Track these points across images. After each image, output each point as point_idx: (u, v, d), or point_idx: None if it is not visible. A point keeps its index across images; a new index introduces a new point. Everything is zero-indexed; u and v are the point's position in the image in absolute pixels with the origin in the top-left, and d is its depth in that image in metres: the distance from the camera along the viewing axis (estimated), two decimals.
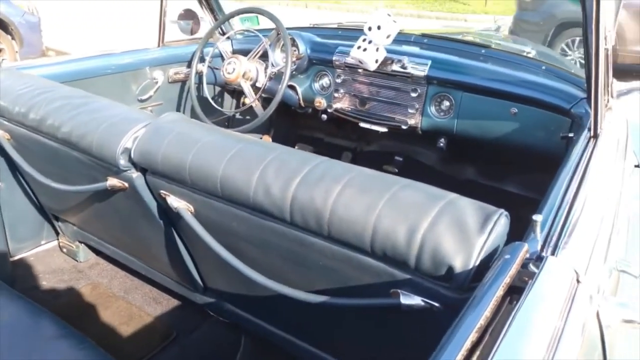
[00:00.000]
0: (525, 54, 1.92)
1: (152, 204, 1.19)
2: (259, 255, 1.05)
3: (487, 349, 0.55)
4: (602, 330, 0.68)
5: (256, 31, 2.10)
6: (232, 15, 2.11)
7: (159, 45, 2.07)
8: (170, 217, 1.21)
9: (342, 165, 0.92)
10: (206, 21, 2.25)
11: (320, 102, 2.07)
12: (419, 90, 1.86)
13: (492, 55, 1.86)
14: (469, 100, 1.79)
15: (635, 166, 1.59)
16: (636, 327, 0.74)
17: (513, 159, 1.89)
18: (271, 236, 0.96)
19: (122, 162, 1.12)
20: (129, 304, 1.67)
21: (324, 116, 2.11)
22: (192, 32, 2.21)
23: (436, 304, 0.80)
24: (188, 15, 2.20)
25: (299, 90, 2.12)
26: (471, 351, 0.55)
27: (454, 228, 0.74)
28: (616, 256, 0.85)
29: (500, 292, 0.62)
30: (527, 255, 0.71)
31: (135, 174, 1.15)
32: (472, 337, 0.56)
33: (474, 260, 0.72)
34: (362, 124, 2.02)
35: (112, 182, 1.18)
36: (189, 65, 2.11)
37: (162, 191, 1.11)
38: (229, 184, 0.95)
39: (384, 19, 1.73)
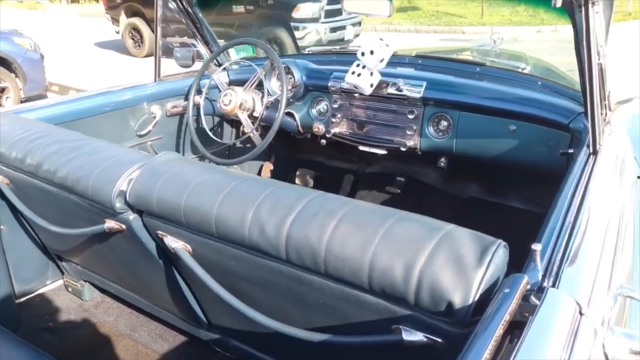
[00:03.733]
0: (520, 69, 1.91)
1: (151, 245, 1.19)
2: (259, 293, 1.04)
3: None
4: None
5: (250, 61, 2.11)
6: (227, 47, 2.13)
7: (155, 80, 2.09)
8: (169, 257, 1.20)
9: (336, 199, 0.91)
10: (201, 54, 2.27)
11: (319, 128, 2.08)
12: (416, 112, 1.86)
13: (487, 73, 1.86)
14: (467, 120, 1.79)
15: (638, 177, 1.57)
16: None
17: (515, 175, 1.88)
18: (269, 275, 0.95)
19: (118, 204, 1.12)
20: (136, 342, 1.66)
21: (323, 141, 2.11)
22: (188, 66, 2.23)
23: (438, 340, 0.78)
24: (184, 49, 2.23)
25: (297, 116, 2.13)
26: None
27: (451, 262, 0.73)
28: (620, 280, 0.83)
29: (500, 330, 0.60)
30: (528, 287, 0.69)
31: (132, 216, 1.15)
32: None
33: (474, 295, 0.71)
34: (362, 147, 2.02)
35: (110, 224, 1.18)
36: (186, 98, 2.12)
37: (159, 232, 1.11)
38: (224, 224, 0.95)
39: (377, 43, 1.74)
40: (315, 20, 6.40)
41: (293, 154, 2.57)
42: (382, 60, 1.77)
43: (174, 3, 2.02)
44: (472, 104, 1.76)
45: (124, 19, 9.70)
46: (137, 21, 9.38)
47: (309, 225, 0.86)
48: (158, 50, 2.06)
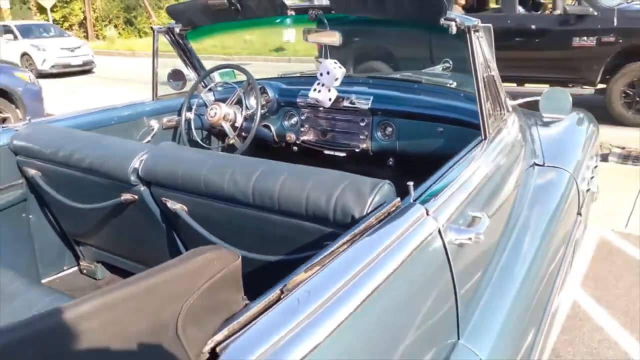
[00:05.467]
0: (448, 85, 2.37)
1: (156, 210, 1.59)
2: (235, 236, 1.45)
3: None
4: (445, 243, 1.07)
5: (232, 83, 2.55)
6: (212, 70, 2.58)
7: (153, 99, 2.52)
8: (170, 219, 1.61)
9: (285, 164, 1.34)
10: (191, 78, 2.71)
11: (291, 137, 2.51)
12: (366, 120, 2.31)
13: (423, 88, 2.31)
14: (406, 125, 2.23)
15: (535, 164, 2.01)
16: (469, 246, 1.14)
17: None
18: (241, 218, 1.36)
19: (132, 178, 1.53)
20: None
21: (295, 148, 2.54)
22: (180, 87, 2.67)
23: None
24: (176, 74, 2.67)
25: (273, 128, 2.57)
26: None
27: (354, 192, 1.15)
28: (475, 211, 1.25)
29: (372, 220, 1.02)
30: (400, 205, 1.11)
31: (142, 188, 1.56)
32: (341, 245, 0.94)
33: (366, 210, 1.12)
34: (326, 151, 2.45)
35: (125, 196, 1.58)
36: (179, 114, 2.55)
37: (163, 198, 1.52)
38: (209, 184, 1.36)
39: (331, 65, 2.19)
40: None
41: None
42: (337, 79, 2.21)
43: (168, 37, 2.47)
44: (409, 112, 2.20)
45: None
46: None
47: (267, 179, 1.28)
48: (155, 76, 2.49)
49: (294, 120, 2.54)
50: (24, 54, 13.79)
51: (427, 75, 2.56)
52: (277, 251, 1.34)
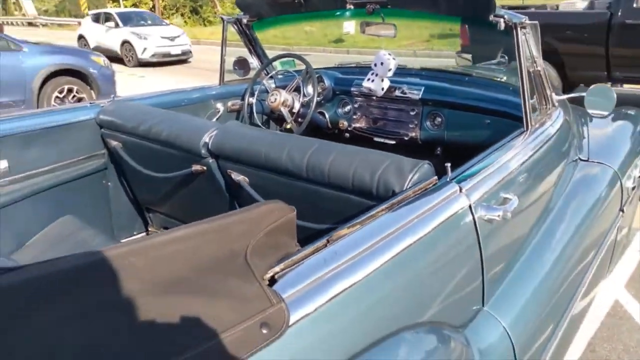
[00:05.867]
0: (498, 79, 2.45)
1: (221, 181, 1.79)
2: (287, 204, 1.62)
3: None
4: (475, 219, 1.20)
5: (292, 71, 2.73)
6: (274, 59, 2.77)
7: (220, 84, 2.74)
8: (233, 189, 1.80)
9: (335, 144, 1.50)
10: (254, 65, 2.91)
11: (343, 124, 2.66)
12: (416, 110, 2.43)
13: (473, 81, 2.40)
14: (455, 116, 2.34)
15: (580, 159, 2.07)
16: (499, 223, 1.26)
17: None
18: (295, 191, 1.53)
19: (203, 151, 1.73)
20: None
21: (347, 134, 2.69)
22: (244, 75, 2.88)
23: None
24: (241, 62, 2.88)
25: (327, 115, 2.73)
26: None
27: (396, 170, 1.30)
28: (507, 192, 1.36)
29: (410, 193, 1.16)
30: (437, 183, 1.24)
31: (211, 160, 1.76)
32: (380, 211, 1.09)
33: (406, 185, 1.26)
34: (376, 139, 2.58)
35: (196, 167, 1.79)
36: (243, 99, 2.75)
37: (228, 170, 1.71)
38: (269, 158, 1.54)
39: (385, 57, 2.32)
40: None
41: None
42: (390, 70, 2.35)
43: (235, 26, 2.67)
44: (458, 103, 2.31)
45: None
46: None
47: (319, 156, 1.44)
48: (223, 63, 2.70)
49: (348, 108, 2.69)
50: (124, 42, 13.42)
51: (478, 69, 2.64)
52: (325, 220, 1.50)
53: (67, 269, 0.63)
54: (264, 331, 0.71)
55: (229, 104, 2.75)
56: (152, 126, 1.91)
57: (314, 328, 0.79)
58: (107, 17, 14.39)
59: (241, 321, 0.70)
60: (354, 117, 2.63)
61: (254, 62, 2.90)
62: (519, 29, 1.69)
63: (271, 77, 2.85)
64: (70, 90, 6.53)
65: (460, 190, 1.21)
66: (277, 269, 0.82)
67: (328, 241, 0.93)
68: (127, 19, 14.03)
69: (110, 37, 13.81)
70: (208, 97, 2.66)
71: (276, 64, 2.89)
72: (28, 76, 6.07)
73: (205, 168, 1.79)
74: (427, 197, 1.15)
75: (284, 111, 2.56)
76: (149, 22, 14.54)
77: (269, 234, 0.85)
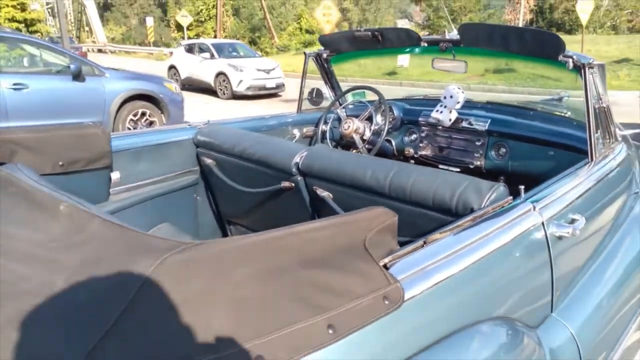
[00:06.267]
0: (563, 114, 2.59)
1: (306, 197, 2.01)
2: None
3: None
4: (547, 234, 1.35)
5: (365, 101, 2.96)
6: (348, 91, 3.01)
7: (297, 112, 3.00)
8: (317, 204, 2.01)
9: (415, 166, 1.69)
10: (327, 97, 3.16)
11: (409, 151, 2.85)
12: (482, 140, 2.59)
13: (537, 116, 2.55)
14: (519, 147, 2.48)
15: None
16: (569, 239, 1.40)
17: None
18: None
19: (294, 170, 1.96)
20: None
21: (412, 161, 2.87)
22: (318, 104, 3.13)
23: None
24: (315, 92, 3.14)
25: (394, 142, 2.93)
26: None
27: (475, 189, 1.47)
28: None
29: (489, 209, 1.33)
30: (512, 202, 1.41)
31: (299, 178, 1.98)
32: (464, 222, 1.26)
33: (484, 204, 1.43)
34: (441, 166, 2.76)
35: (285, 184, 2.02)
36: (316, 126, 2.99)
37: (314, 187, 1.93)
38: (354, 176, 1.75)
39: (455, 90, 2.51)
40: None
41: None
42: (458, 102, 2.53)
43: (315, 60, 2.94)
44: (523, 135, 2.46)
45: None
46: None
47: (401, 176, 1.63)
48: (302, 93, 2.97)
49: (414, 136, 2.88)
50: (219, 74, 13.06)
51: (543, 104, 2.79)
52: (405, 233, 1.68)
53: (244, 244, 0.85)
54: (386, 302, 0.90)
55: (304, 130, 3.00)
56: (246, 147, 2.16)
57: (421, 306, 0.97)
58: (202, 48, 14.12)
59: (368, 293, 0.89)
60: (420, 145, 2.82)
61: (326, 92, 3.16)
62: (587, 68, 1.85)
63: (343, 108, 3.09)
64: (143, 114, 7.02)
65: (534, 208, 1.37)
66: (386, 260, 1.01)
67: (424, 242, 1.12)
68: (220, 50, 13.78)
69: (204, 68, 13.49)
70: (287, 123, 2.92)
71: (347, 95, 3.13)
72: (108, 99, 6.59)
73: (293, 185, 2.01)
74: (505, 214, 1.32)
75: (356, 138, 2.78)
76: (241, 53, 14.30)
77: (378, 232, 1.04)
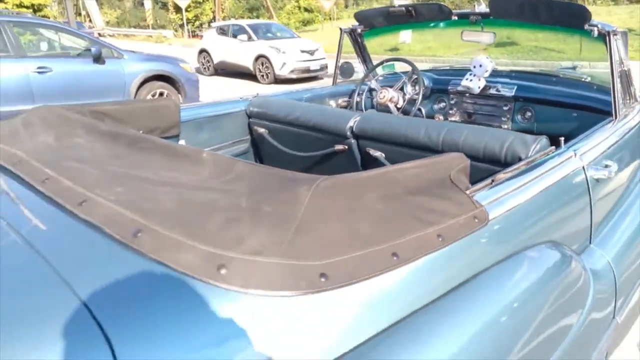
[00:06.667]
0: (583, 79, 2.81)
1: (358, 157, 2.24)
2: None
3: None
4: (587, 176, 1.59)
5: (400, 73, 3.18)
6: (381, 63, 3.22)
7: (333, 84, 3.22)
8: (369, 164, 2.24)
9: (464, 124, 1.92)
10: (357, 70, 3.38)
11: (439, 118, 3.08)
12: (509, 105, 2.81)
13: (559, 81, 2.78)
14: (544, 110, 2.71)
15: None
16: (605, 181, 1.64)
17: None
18: None
19: (348, 133, 2.19)
20: None
21: None
22: (349, 76, 3.34)
23: None
24: (347, 66, 3.35)
25: (424, 110, 3.15)
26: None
27: (521, 142, 1.70)
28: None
29: (536, 156, 1.57)
30: (555, 151, 1.64)
31: (352, 140, 2.21)
32: (517, 167, 1.50)
33: (530, 153, 1.67)
34: None
35: (338, 147, 2.25)
36: (350, 97, 3.21)
37: (367, 148, 2.16)
38: (408, 135, 1.98)
39: (484, 60, 2.72)
40: None
41: None
42: (487, 71, 2.75)
43: (349, 36, 3.14)
44: (547, 99, 2.68)
45: None
46: None
47: (453, 133, 1.86)
48: (336, 67, 3.18)
49: (442, 104, 3.11)
50: (259, 57, 12.04)
51: (564, 70, 3.01)
52: None
53: (366, 176, 1.08)
54: (476, 221, 1.14)
55: (340, 101, 3.22)
56: (300, 115, 2.39)
57: (499, 226, 1.22)
58: (236, 30, 13.03)
59: (462, 214, 1.13)
60: (450, 112, 3.05)
61: (359, 65, 3.37)
62: (611, 36, 2.07)
63: (376, 79, 3.30)
64: (161, 94, 7.21)
65: (575, 155, 1.60)
66: (467, 192, 1.25)
67: (492, 181, 1.35)
68: (255, 31, 12.76)
69: (241, 51, 12.47)
70: (323, 95, 3.14)
71: (378, 68, 3.34)
72: (127, 81, 6.78)
73: (346, 147, 2.24)
74: (552, 160, 1.55)
75: (391, 106, 3.00)
76: (278, 34, 13.25)
77: (457, 172, 1.28)
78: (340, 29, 3.15)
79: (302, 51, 11.82)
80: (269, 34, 13.06)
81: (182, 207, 0.99)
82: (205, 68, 13.63)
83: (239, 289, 0.80)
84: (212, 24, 16.34)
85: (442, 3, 2.69)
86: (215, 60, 13.30)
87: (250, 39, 12.49)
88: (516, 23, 2.64)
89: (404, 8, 2.72)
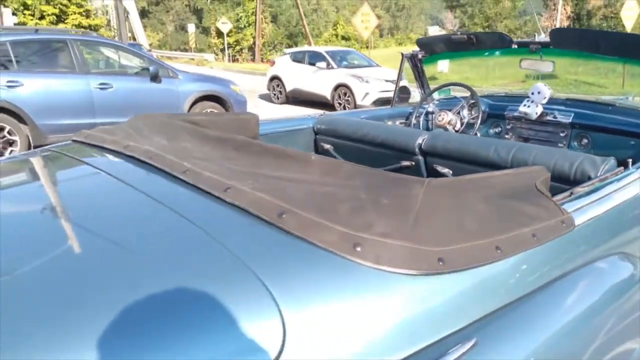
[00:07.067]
0: (638, 109, 2.89)
1: (425, 174, 2.37)
2: None
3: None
4: None
5: (458, 97, 3.33)
6: (438, 88, 3.38)
7: (391, 106, 3.38)
8: None
9: (532, 144, 2.03)
10: (416, 93, 3.54)
11: None
12: (566, 132, 2.91)
13: (616, 110, 2.87)
14: (600, 138, 2.80)
15: None
16: None
17: None
18: None
19: (417, 150, 2.33)
20: None
21: None
22: (406, 100, 3.50)
23: None
24: (404, 90, 3.51)
25: (479, 135, 3.27)
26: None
27: (590, 162, 1.81)
28: None
29: (607, 175, 1.67)
30: (622, 172, 1.74)
31: (420, 157, 2.34)
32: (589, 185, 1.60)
33: (599, 173, 1.77)
34: None
35: (405, 163, 2.38)
36: (407, 118, 3.36)
37: (435, 165, 2.29)
38: (478, 154, 2.10)
39: (543, 87, 2.84)
40: None
41: None
42: (545, 98, 2.87)
43: (409, 61, 3.32)
44: (604, 127, 2.77)
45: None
46: None
47: (523, 152, 1.98)
48: (396, 91, 3.35)
49: (498, 129, 3.22)
50: (339, 86, 11.20)
51: (620, 99, 3.10)
52: None
53: (467, 179, 1.22)
54: (564, 225, 1.26)
55: (397, 122, 3.37)
56: (367, 133, 2.54)
57: (582, 233, 1.33)
58: (312, 57, 12.33)
59: (551, 218, 1.25)
60: (506, 136, 3.16)
61: (416, 90, 3.53)
62: None
63: (432, 102, 3.45)
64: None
65: None
66: (558, 197, 1.37)
67: (571, 193, 1.47)
68: (333, 58, 11.98)
69: (319, 79, 11.67)
70: (382, 116, 3.30)
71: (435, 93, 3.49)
72: (181, 99, 7.11)
73: (413, 163, 2.38)
74: (623, 179, 1.65)
75: (450, 128, 3.13)
76: (355, 62, 12.45)
77: (540, 182, 1.40)
78: (402, 54, 3.32)
79: (387, 80, 10.64)
80: (345, 62, 12.23)
81: (310, 197, 1.14)
82: (276, 96, 13.04)
83: (371, 264, 0.94)
84: (286, 50, 15.62)
85: (502, 32, 2.83)
86: (288, 88, 12.57)
87: (329, 66, 11.73)
88: (575, 53, 2.76)
89: (465, 36, 2.88)
